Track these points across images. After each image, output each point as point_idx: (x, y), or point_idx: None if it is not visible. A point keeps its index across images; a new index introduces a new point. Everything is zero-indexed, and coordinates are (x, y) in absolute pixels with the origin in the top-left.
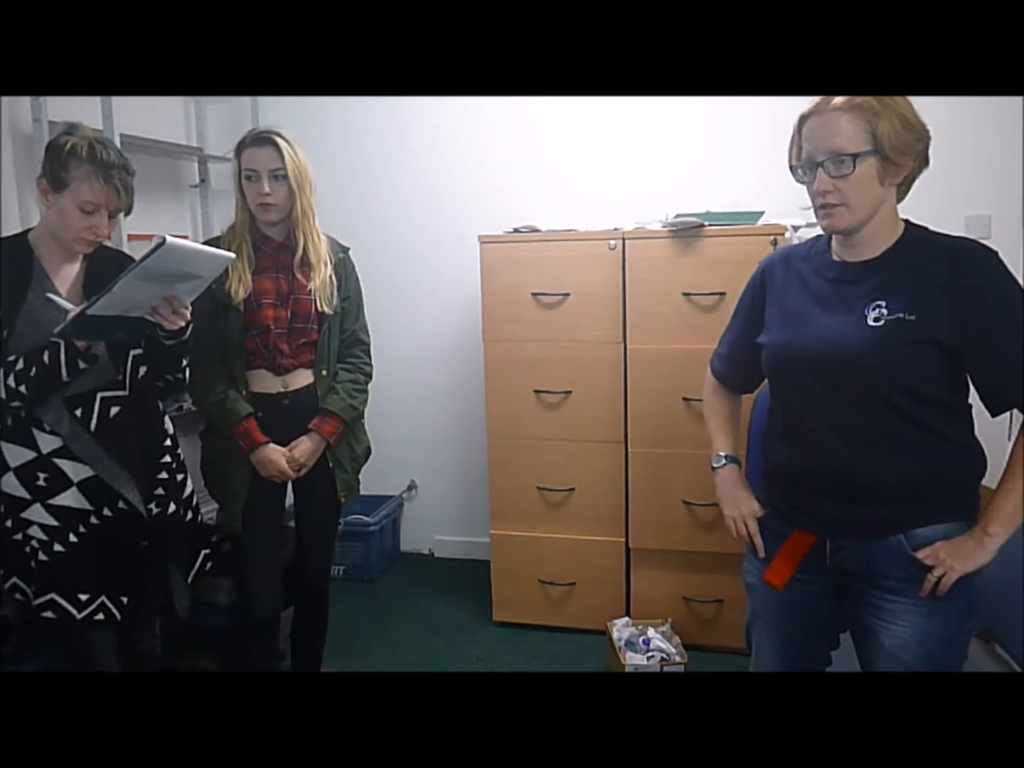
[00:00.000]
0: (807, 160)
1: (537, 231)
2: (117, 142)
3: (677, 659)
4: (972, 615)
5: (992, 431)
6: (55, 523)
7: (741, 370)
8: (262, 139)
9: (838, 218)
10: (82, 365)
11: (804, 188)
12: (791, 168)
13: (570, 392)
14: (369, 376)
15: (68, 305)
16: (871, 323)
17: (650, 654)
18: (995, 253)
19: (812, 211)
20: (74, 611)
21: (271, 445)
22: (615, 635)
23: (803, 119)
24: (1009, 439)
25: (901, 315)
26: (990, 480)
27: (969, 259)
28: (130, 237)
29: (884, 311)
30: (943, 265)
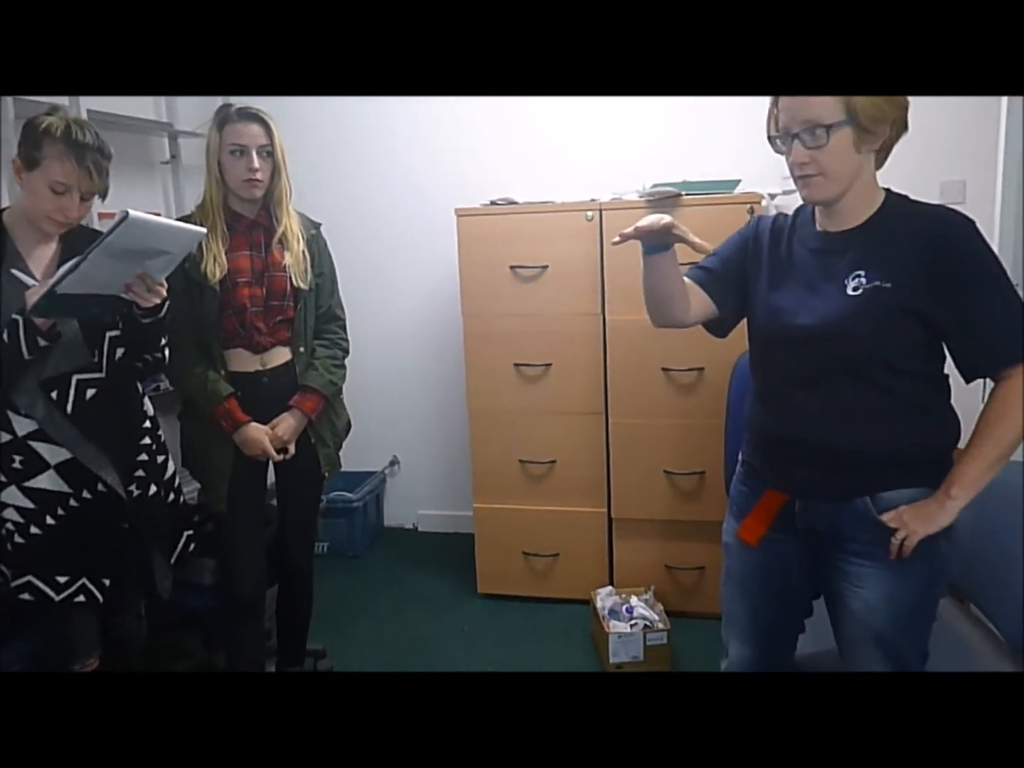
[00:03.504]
0: (783, 131)
1: (514, 203)
2: (84, 118)
3: (660, 626)
4: (940, 580)
5: (968, 398)
6: (31, 505)
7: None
8: (250, 115)
9: (816, 188)
10: (42, 343)
11: (782, 157)
12: (769, 139)
13: (550, 365)
14: (346, 351)
15: (30, 281)
16: (850, 293)
17: (633, 622)
18: (972, 223)
19: (791, 180)
20: (52, 593)
21: (253, 424)
22: (599, 604)
23: None
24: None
25: (878, 283)
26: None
27: (947, 228)
28: (100, 216)
29: (863, 280)
30: (921, 234)
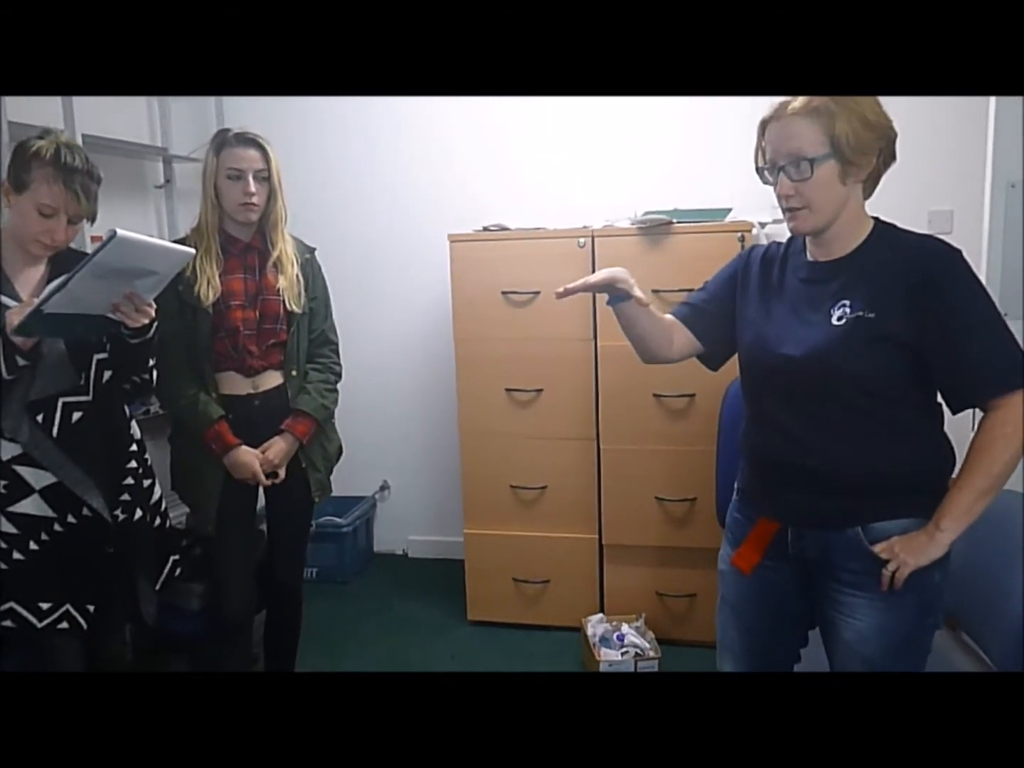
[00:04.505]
0: (770, 163)
1: (506, 229)
2: (79, 143)
3: (651, 654)
4: (933, 611)
5: (961, 427)
6: (15, 531)
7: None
8: (247, 140)
9: (802, 220)
10: (21, 362)
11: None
12: (757, 171)
13: (541, 390)
14: (339, 376)
15: (11, 303)
16: (835, 323)
17: (624, 650)
18: (959, 252)
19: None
20: (34, 620)
21: (244, 447)
22: (589, 631)
23: (764, 124)
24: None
25: (861, 313)
26: None
27: (932, 258)
28: (92, 239)
29: (847, 310)
30: (906, 263)
